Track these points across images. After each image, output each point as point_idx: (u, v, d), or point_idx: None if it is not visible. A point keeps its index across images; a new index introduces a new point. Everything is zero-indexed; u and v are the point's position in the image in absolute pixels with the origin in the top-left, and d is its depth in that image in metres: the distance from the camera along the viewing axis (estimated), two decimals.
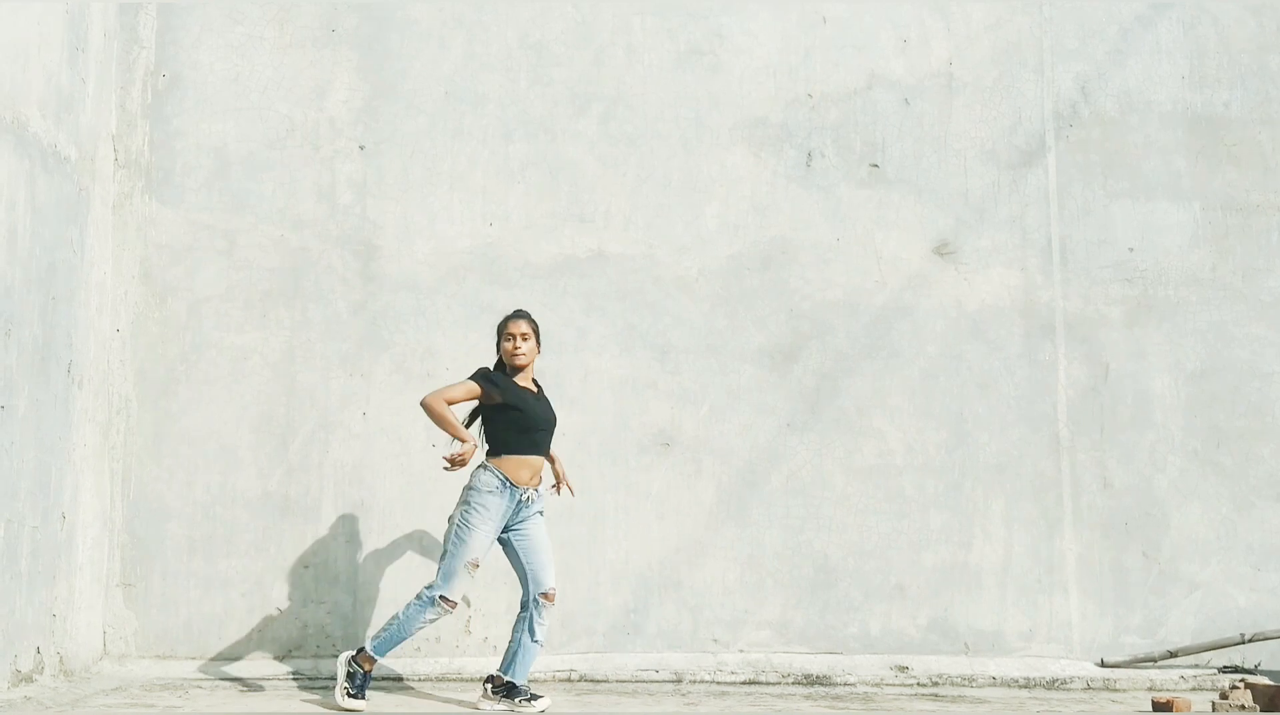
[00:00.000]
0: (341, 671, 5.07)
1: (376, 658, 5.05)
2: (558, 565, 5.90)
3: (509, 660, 5.11)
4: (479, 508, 5.01)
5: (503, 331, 5.25)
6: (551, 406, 5.28)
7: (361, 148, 6.29)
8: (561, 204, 6.33)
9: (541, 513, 5.19)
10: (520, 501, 5.08)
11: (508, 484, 5.04)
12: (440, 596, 4.99)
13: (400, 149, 6.30)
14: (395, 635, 5.03)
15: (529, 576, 5.12)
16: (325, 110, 6.31)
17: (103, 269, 6.03)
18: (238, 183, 6.23)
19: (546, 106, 6.38)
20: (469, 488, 5.07)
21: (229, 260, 6.19)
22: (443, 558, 5.03)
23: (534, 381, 5.27)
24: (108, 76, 6.14)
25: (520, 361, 5.18)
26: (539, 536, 5.15)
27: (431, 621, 5.04)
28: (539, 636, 5.11)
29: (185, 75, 6.28)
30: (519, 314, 5.29)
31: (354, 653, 5.09)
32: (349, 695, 5.03)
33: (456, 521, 5.04)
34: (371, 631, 5.98)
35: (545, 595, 5.11)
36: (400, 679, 5.83)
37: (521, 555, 5.13)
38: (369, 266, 6.22)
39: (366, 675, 5.06)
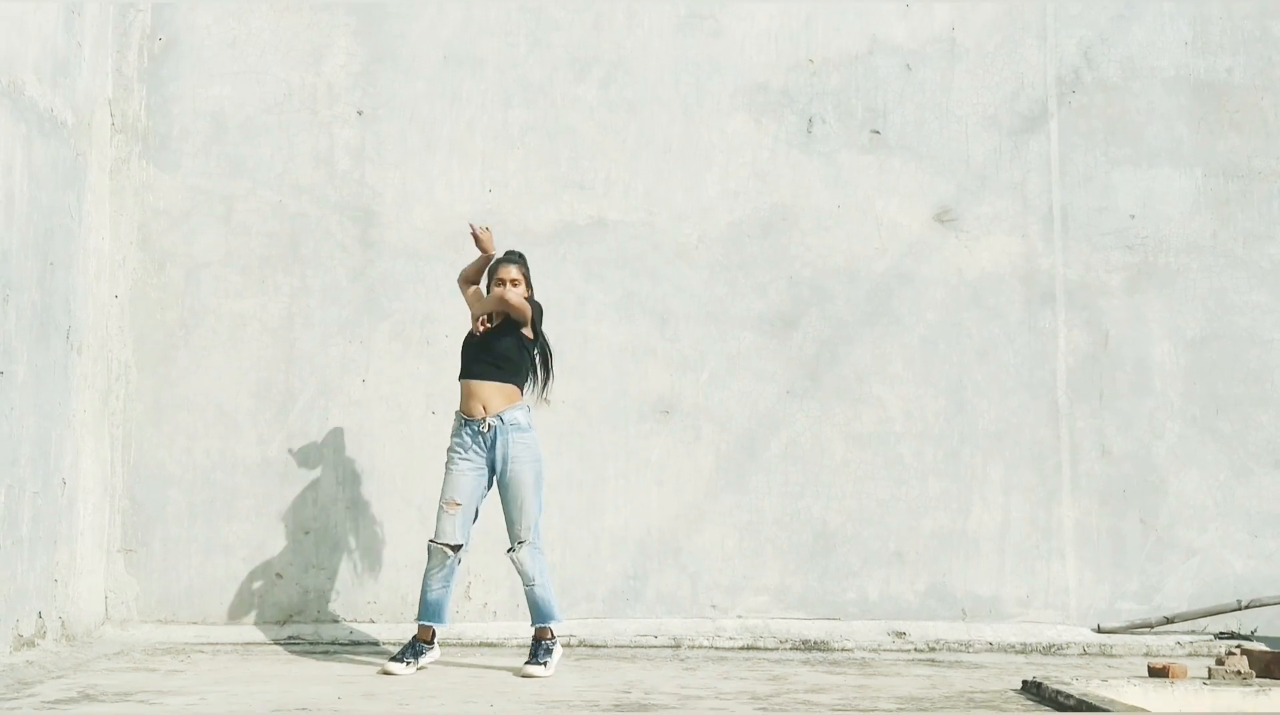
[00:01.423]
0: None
1: (422, 623, 5.19)
2: (558, 532, 5.95)
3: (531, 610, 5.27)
4: (450, 451, 5.20)
5: (493, 274, 5.25)
6: (512, 344, 5.20)
7: (359, 113, 6.26)
8: (561, 170, 6.30)
9: (517, 457, 5.11)
10: (480, 433, 5.11)
11: (461, 418, 5.18)
12: (429, 541, 5.15)
13: (398, 114, 6.26)
14: (422, 593, 5.18)
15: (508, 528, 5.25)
16: (323, 74, 6.26)
17: (100, 235, 6.00)
18: (235, 147, 6.20)
19: (546, 71, 6.34)
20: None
21: (227, 226, 6.16)
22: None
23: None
24: (104, 40, 6.09)
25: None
26: (515, 487, 5.13)
27: (438, 570, 5.12)
28: (528, 581, 5.19)
29: (182, 38, 6.23)
30: (511, 258, 5.28)
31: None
32: (391, 658, 5.18)
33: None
34: (371, 597, 6.03)
35: (511, 549, 5.19)
36: (402, 644, 5.85)
37: (502, 505, 5.24)
38: (367, 233, 6.20)
39: (416, 640, 5.19)
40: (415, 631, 5.24)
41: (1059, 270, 6.42)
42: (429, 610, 5.17)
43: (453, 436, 5.22)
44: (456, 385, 5.89)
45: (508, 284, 5.18)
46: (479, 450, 5.14)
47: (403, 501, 6.08)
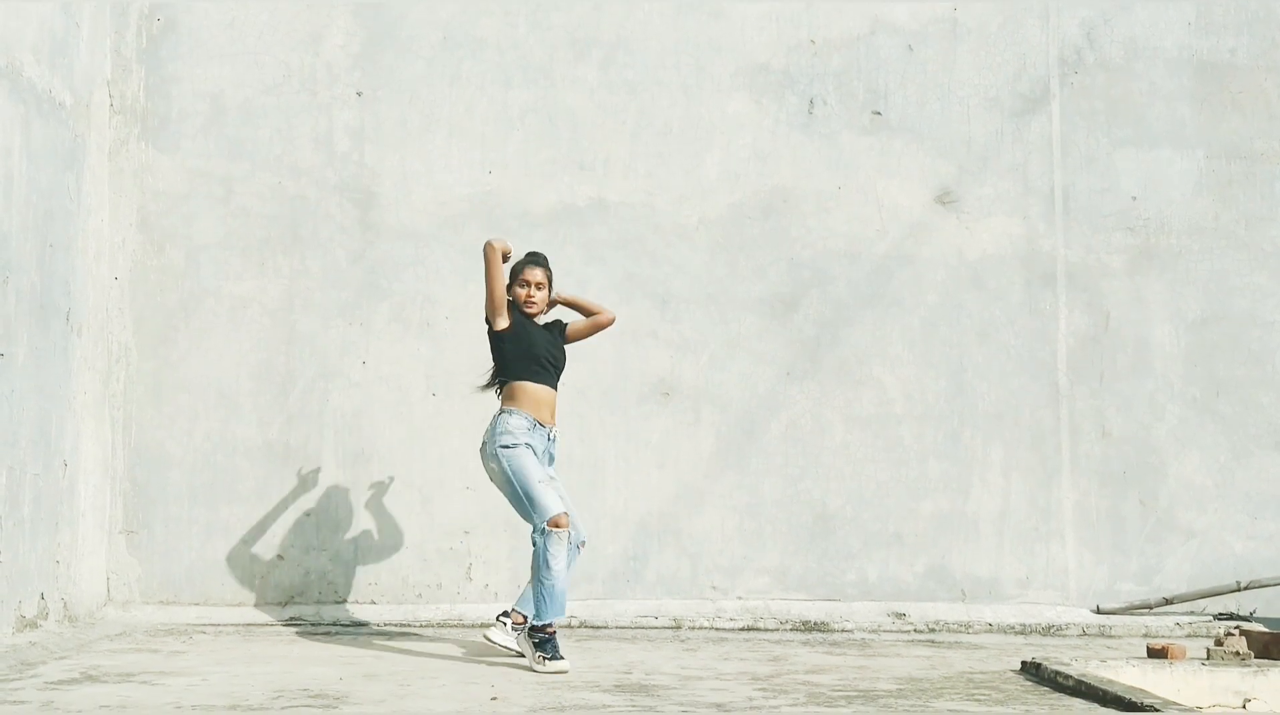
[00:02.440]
0: (528, 649, 4.81)
1: (551, 622, 4.81)
2: None
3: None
4: (519, 447, 4.89)
5: (516, 276, 5.12)
6: (562, 350, 5.18)
7: (359, 94, 6.24)
8: (561, 151, 6.28)
9: (557, 465, 5.15)
10: (549, 439, 5.02)
11: (535, 423, 4.97)
12: (546, 525, 4.79)
13: (398, 95, 6.24)
14: (550, 591, 4.79)
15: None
16: (322, 55, 6.24)
17: (100, 216, 5.99)
18: (234, 129, 6.18)
19: (546, 52, 6.31)
20: (499, 435, 4.92)
21: (226, 208, 6.15)
22: (520, 505, 4.89)
23: (544, 326, 5.20)
24: (102, 20, 6.07)
25: (532, 310, 5.12)
26: (562, 492, 5.03)
27: (562, 554, 4.80)
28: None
29: (180, 19, 6.21)
30: (535, 260, 5.16)
31: (524, 628, 4.84)
32: (550, 660, 4.75)
33: (507, 470, 4.88)
34: (372, 579, 6.03)
35: (582, 543, 5.09)
36: (403, 625, 5.88)
37: None
38: (367, 215, 6.19)
39: (552, 636, 4.80)
40: (546, 630, 4.79)
41: (1060, 252, 6.41)
42: (561, 595, 4.83)
43: (520, 434, 4.90)
44: (456, 366, 5.90)
45: (532, 286, 5.08)
46: (542, 454, 4.99)
47: (403, 483, 6.09)
